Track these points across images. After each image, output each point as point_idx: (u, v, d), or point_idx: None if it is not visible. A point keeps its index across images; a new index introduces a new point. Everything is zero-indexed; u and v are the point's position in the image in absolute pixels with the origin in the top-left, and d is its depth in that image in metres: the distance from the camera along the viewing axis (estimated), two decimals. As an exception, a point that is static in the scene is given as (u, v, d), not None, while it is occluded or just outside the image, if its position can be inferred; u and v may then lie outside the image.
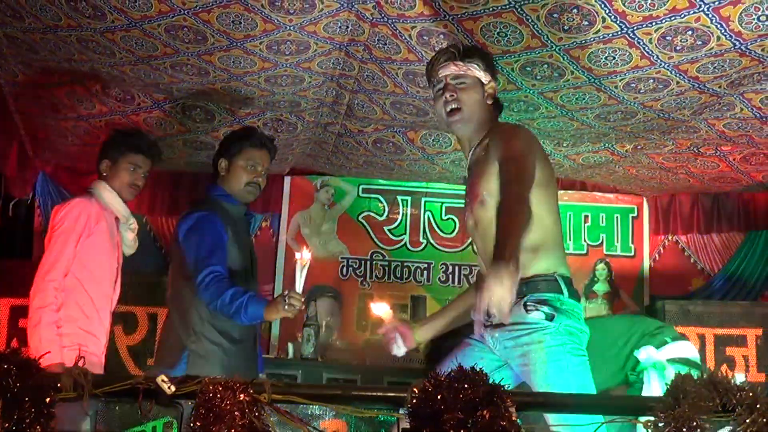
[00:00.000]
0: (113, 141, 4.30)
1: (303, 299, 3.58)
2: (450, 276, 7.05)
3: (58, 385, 2.00)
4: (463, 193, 3.40)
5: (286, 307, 3.54)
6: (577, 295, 3.12)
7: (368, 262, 7.03)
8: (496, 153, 3.11)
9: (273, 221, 7.12)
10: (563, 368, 2.96)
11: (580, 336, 3.05)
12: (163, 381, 2.02)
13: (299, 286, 3.55)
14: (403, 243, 7.01)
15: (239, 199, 4.11)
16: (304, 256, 3.54)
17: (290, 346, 6.32)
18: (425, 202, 7.15)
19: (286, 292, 3.56)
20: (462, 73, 3.23)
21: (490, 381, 1.93)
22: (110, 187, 4.22)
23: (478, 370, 1.94)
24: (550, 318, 2.98)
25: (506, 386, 1.94)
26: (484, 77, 3.28)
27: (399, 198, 7.15)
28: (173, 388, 2.01)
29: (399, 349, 3.58)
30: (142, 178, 4.30)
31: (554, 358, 2.97)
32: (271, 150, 4.22)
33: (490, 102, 3.30)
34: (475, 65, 3.25)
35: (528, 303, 3.01)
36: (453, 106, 3.23)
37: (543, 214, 3.11)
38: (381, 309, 3.63)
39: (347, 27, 4.11)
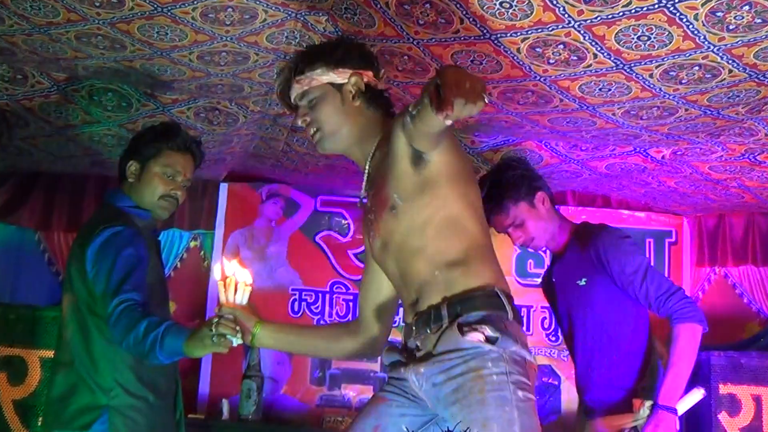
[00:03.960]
0: None
1: (239, 329, 3.32)
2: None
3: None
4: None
5: (215, 338, 3.28)
6: (521, 319, 3.11)
7: (327, 296, 6.96)
8: (397, 136, 3.02)
9: (204, 240, 7.05)
10: (505, 401, 2.89)
11: (527, 368, 3.01)
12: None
13: None
14: (371, 271, 6.95)
15: (150, 213, 4.05)
16: (246, 279, 3.42)
17: (224, 403, 6.27)
18: (400, 219, 7.07)
19: (215, 319, 3.30)
20: (306, 88, 3.27)
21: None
22: None
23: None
24: (493, 341, 2.95)
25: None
26: (338, 77, 3.27)
27: (368, 214, 7.07)
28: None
29: (234, 341, 3.35)
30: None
31: (495, 388, 2.89)
32: (197, 155, 4.16)
33: (359, 101, 3.28)
34: (319, 70, 3.27)
35: (464, 324, 2.98)
36: (311, 130, 3.29)
37: (462, 216, 3.08)
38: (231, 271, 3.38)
39: (295, 37, 4.17)
